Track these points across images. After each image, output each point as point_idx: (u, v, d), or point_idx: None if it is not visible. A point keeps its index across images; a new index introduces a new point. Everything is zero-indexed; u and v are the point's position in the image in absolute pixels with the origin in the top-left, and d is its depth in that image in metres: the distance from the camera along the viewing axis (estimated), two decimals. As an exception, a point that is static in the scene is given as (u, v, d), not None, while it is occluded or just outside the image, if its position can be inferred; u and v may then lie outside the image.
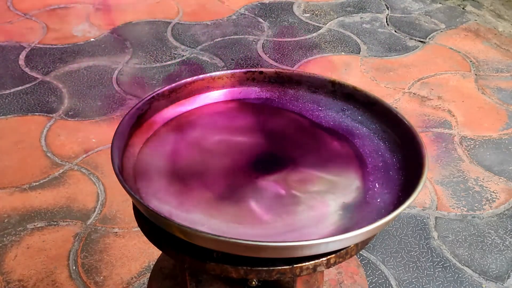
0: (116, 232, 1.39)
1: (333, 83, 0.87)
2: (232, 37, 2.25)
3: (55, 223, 1.41)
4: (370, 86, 1.95)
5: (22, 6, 2.43)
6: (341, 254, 0.67)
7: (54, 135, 1.71)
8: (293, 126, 0.85)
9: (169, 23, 2.34)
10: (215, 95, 0.89)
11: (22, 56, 2.09)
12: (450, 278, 1.30)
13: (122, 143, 0.76)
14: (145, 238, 0.74)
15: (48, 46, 2.15)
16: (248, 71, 0.89)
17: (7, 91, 1.90)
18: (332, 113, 0.86)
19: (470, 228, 1.43)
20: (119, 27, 2.30)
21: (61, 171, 1.57)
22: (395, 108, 0.82)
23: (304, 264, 0.65)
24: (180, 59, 2.09)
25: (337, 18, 2.40)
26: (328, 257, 0.66)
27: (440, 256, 1.36)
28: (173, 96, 0.85)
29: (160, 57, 2.10)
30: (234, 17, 2.40)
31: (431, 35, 2.29)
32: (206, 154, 0.79)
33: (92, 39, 2.21)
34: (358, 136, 0.82)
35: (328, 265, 0.66)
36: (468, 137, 1.74)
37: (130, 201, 1.42)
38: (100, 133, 1.71)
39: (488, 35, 2.30)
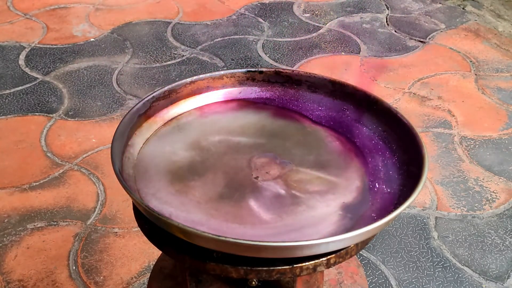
0: (116, 232, 1.39)
1: (333, 83, 0.87)
2: (232, 37, 2.25)
3: (55, 223, 1.41)
4: (370, 86, 1.95)
5: (22, 6, 2.44)
6: (341, 254, 0.67)
7: (54, 135, 1.71)
8: (293, 126, 0.85)
9: (169, 23, 2.34)
10: (215, 95, 0.89)
11: (22, 56, 2.09)
12: (450, 278, 1.30)
13: (122, 143, 0.76)
14: (145, 238, 0.74)
15: (48, 46, 2.15)
16: (248, 71, 0.89)
17: (7, 91, 1.90)
18: (332, 113, 0.86)
19: (470, 228, 1.43)
20: (119, 27, 2.30)
21: (61, 171, 1.57)
22: (395, 108, 0.82)
23: (304, 264, 0.65)
24: (180, 59, 2.09)
25: (337, 18, 2.40)
26: (328, 257, 0.66)
27: (440, 256, 1.36)
28: (173, 96, 0.85)
29: (160, 57, 2.10)
30: (234, 17, 2.40)
31: (431, 35, 2.29)
32: (206, 154, 0.79)
33: (92, 39, 2.21)
34: (358, 136, 0.82)
35: (328, 265, 0.66)
36: (468, 137, 1.74)
37: (130, 201, 1.42)
38: (100, 133, 1.71)
39: (488, 35, 2.30)
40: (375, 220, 0.63)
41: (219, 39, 2.23)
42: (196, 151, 0.80)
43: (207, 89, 0.88)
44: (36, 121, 1.76)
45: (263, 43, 2.21)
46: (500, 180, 1.58)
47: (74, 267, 1.30)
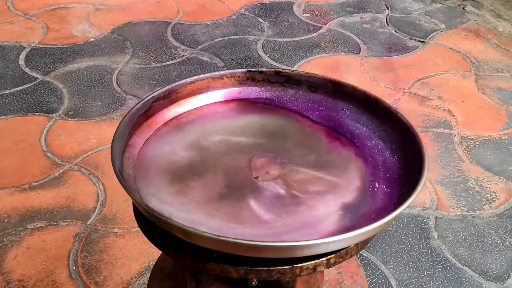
0: (116, 232, 1.39)
1: (333, 83, 0.87)
2: (232, 37, 2.25)
3: (55, 223, 1.41)
4: (370, 86, 1.95)
5: (22, 6, 2.44)
6: (341, 254, 0.67)
7: (54, 135, 1.71)
8: (293, 126, 0.85)
9: (169, 23, 2.34)
10: (215, 95, 0.89)
11: (22, 56, 2.09)
12: (450, 278, 1.30)
13: (122, 143, 0.76)
14: (145, 238, 0.74)
15: (48, 46, 2.15)
16: (248, 71, 0.89)
17: (7, 91, 1.90)
18: (332, 113, 0.86)
19: (470, 228, 1.43)
20: (119, 27, 2.30)
21: (61, 171, 1.57)
22: (395, 108, 0.82)
23: (304, 264, 0.65)
24: (180, 59, 2.09)
25: (337, 18, 2.40)
26: (328, 257, 0.66)
27: (440, 256, 1.36)
28: (173, 96, 0.85)
29: (160, 57, 2.10)
30: (234, 17, 2.40)
31: (431, 35, 2.29)
32: (206, 154, 0.79)
33: (92, 39, 2.21)
34: (358, 136, 0.82)
35: (328, 265, 0.66)
36: (468, 137, 1.74)
37: (130, 201, 1.42)
38: (100, 133, 1.71)
39: (488, 35, 2.30)
40: (375, 220, 0.63)
41: (219, 39, 2.23)
42: (196, 151, 0.80)
43: (207, 89, 0.88)
44: (36, 121, 1.76)
45: (263, 43, 2.21)
46: (500, 180, 1.58)
47: (74, 267, 1.30)
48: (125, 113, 0.78)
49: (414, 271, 1.32)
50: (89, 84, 1.94)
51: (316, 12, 2.45)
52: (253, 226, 0.67)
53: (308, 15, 2.43)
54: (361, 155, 0.79)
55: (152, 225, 0.69)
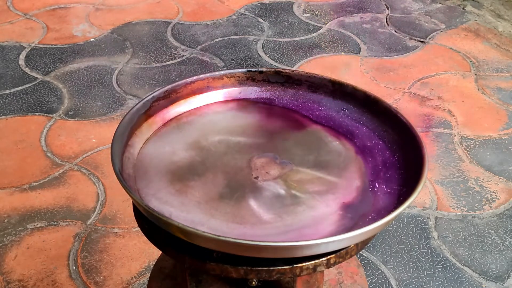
0: (116, 232, 1.39)
1: (333, 83, 0.87)
2: (232, 37, 2.25)
3: (55, 223, 1.41)
4: (370, 86, 1.95)
5: (22, 6, 2.44)
6: (341, 254, 0.67)
7: (54, 135, 1.71)
8: (293, 126, 0.85)
9: (169, 23, 2.34)
10: (215, 95, 0.89)
11: (22, 56, 2.09)
12: (450, 278, 1.30)
13: (122, 143, 0.76)
14: (145, 238, 0.74)
15: (48, 46, 2.15)
16: (248, 71, 0.89)
17: (7, 91, 1.90)
18: (332, 112, 0.86)
19: (470, 228, 1.43)
20: (119, 27, 2.30)
21: (61, 171, 1.57)
22: (395, 108, 0.82)
23: (304, 264, 0.65)
24: (180, 59, 2.09)
25: (337, 18, 2.40)
26: (328, 257, 0.66)
27: (440, 256, 1.36)
28: (173, 96, 0.85)
29: (160, 57, 2.10)
30: (234, 17, 2.40)
31: (431, 35, 2.29)
32: (206, 154, 0.79)
33: (92, 39, 2.21)
34: (358, 136, 0.82)
35: (328, 265, 0.66)
36: (468, 137, 1.74)
37: (130, 201, 1.42)
38: (100, 133, 1.71)
39: (488, 35, 2.30)
40: (375, 220, 0.63)
41: (219, 39, 2.23)
42: (196, 151, 0.80)
43: (207, 89, 0.88)
44: (36, 121, 1.76)
45: (263, 43, 2.21)
46: (500, 180, 1.58)
47: (74, 267, 1.30)
48: (125, 113, 0.78)
49: (414, 271, 1.32)
50: (89, 84, 1.94)
51: (316, 12, 2.45)
52: (253, 226, 0.67)
53: (308, 15, 2.43)
54: (361, 155, 0.79)
55: (152, 225, 0.69)
